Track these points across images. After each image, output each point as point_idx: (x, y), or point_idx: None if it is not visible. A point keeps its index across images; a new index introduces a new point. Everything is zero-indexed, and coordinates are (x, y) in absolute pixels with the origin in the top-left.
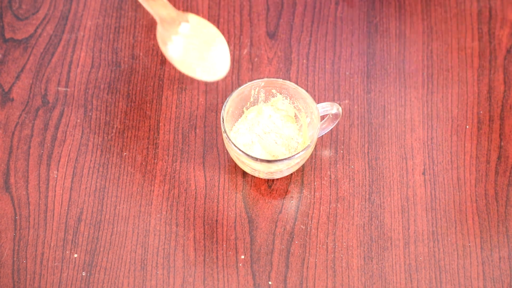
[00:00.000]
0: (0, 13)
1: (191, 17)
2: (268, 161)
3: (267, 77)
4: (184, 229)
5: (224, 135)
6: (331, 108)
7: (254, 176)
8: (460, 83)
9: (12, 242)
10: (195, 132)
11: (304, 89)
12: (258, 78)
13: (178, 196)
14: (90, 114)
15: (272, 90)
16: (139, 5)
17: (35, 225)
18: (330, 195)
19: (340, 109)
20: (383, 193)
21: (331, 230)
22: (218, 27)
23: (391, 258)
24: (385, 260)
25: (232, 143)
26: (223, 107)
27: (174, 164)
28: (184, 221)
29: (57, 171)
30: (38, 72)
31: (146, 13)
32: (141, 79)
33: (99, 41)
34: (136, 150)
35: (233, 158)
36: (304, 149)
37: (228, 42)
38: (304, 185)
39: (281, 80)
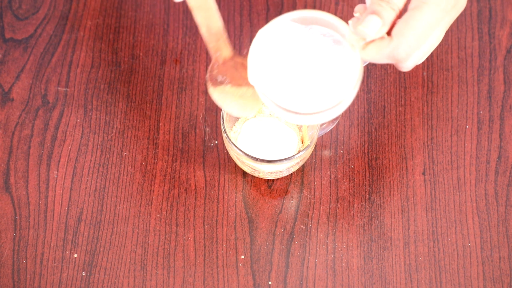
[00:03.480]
0: (0, 13)
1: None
2: (268, 161)
3: None
4: (184, 229)
5: (224, 135)
6: None
7: (254, 176)
8: (460, 83)
9: (12, 242)
10: (195, 132)
11: None
12: None
13: (178, 196)
14: (90, 114)
15: None
16: (139, 5)
17: (35, 225)
18: (330, 195)
19: None
20: (383, 193)
21: (331, 230)
22: None
23: (391, 258)
24: (385, 260)
25: (232, 143)
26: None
27: (174, 164)
28: (184, 221)
29: (57, 171)
30: (38, 72)
31: (146, 13)
32: (141, 79)
33: (99, 41)
34: (136, 150)
35: (233, 158)
36: (304, 149)
37: None
38: (304, 185)
39: None
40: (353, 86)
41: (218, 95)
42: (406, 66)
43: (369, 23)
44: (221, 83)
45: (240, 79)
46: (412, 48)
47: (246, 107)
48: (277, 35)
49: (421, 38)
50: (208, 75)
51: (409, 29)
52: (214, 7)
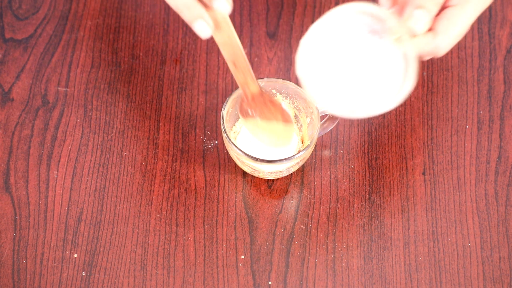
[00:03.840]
0: (0, 13)
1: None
2: (268, 161)
3: (267, 77)
4: (184, 229)
5: (224, 135)
6: None
7: (254, 176)
8: (460, 83)
9: (12, 242)
10: (195, 132)
11: None
12: (258, 78)
13: (178, 196)
14: (90, 114)
15: (272, 90)
16: (139, 5)
17: (35, 225)
18: (330, 195)
19: None
20: (383, 193)
21: (331, 230)
22: None
23: (391, 258)
24: (385, 260)
25: (232, 143)
26: (223, 107)
27: (174, 164)
28: (184, 221)
29: (57, 171)
30: (38, 72)
31: (146, 13)
32: (141, 79)
33: (99, 41)
34: (136, 150)
35: (233, 158)
36: (304, 149)
37: None
38: (304, 185)
39: (281, 80)
40: (409, 83)
41: (250, 126)
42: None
43: (419, 18)
44: (252, 116)
45: (269, 114)
46: (452, 44)
47: (278, 141)
48: (330, 31)
49: (460, 34)
50: (239, 107)
51: (453, 26)
52: (239, 45)
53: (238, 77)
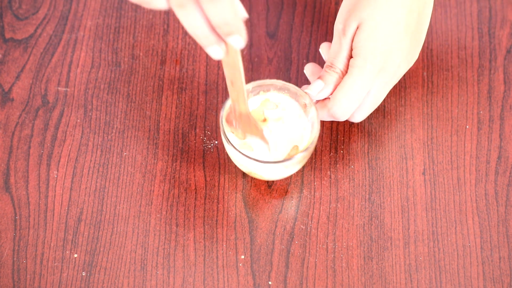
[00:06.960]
0: (0, 13)
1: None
2: (268, 162)
3: (266, 78)
4: (184, 229)
5: (223, 136)
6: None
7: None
8: (460, 83)
9: (12, 242)
10: (195, 132)
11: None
12: (258, 79)
13: (178, 196)
14: (90, 114)
15: (271, 90)
16: (139, 5)
17: (35, 225)
18: (330, 195)
19: None
20: (383, 193)
21: (331, 230)
22: None
23: (391, 258)
24: (385, 260)
25: (231, 143)
26: (223, 107)
27: (174, 164)
28: (184, 221)
29: (57, 171)
30: (38, 72)
31: (146, 13)
32: (141, 79)
33: (99, 41)
34: (136, 150)
35: (232, 159)
36: (304, 149)
37: None
38: (304, 185)
39: (281, 81)
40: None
41: (231, 131)
42: (354, 120)
43: (313, 86)
44: (234, 127)
45: (249, 134)
46: (346, 108)
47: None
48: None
49: (352, 99)
50: (226, 114)
51: (340, 92)
52: (240, 69)
53: (232, 94)
